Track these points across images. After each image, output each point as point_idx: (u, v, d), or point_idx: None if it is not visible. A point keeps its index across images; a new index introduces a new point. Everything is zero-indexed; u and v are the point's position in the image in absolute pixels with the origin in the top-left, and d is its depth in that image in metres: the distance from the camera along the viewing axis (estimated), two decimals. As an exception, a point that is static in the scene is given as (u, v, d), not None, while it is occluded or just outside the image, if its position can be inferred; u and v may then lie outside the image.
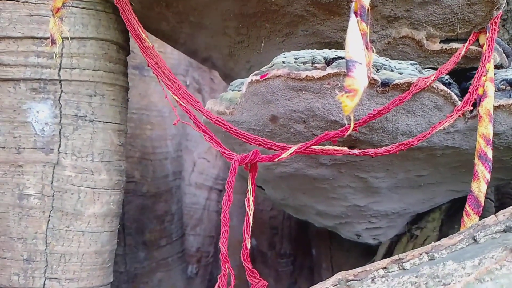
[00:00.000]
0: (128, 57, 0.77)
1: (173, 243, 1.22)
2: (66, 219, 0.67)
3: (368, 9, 0.34)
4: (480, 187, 0.46)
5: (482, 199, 0.46)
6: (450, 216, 0.75)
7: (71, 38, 0.68)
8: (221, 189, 1.52)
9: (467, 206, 0.46)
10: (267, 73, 0.45)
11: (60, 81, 0.68)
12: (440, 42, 0.53)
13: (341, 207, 0.70)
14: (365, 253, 1.01)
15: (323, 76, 0.43)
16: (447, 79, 0.52)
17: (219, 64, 0.74)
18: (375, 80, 0.43)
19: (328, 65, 0.45)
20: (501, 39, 1.02)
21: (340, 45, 0.54)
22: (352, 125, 0.33)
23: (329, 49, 0.51)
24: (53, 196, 0.67)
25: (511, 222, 0.38)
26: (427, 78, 0.44)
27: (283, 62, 0.46)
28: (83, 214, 0.68)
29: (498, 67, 0.56)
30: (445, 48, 0.52)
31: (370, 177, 0.60)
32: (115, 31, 0.71)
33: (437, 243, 0.40)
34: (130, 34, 0.68)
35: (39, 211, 0.67)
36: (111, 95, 0.70)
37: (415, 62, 0.51)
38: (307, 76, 0.43)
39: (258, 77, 0.46)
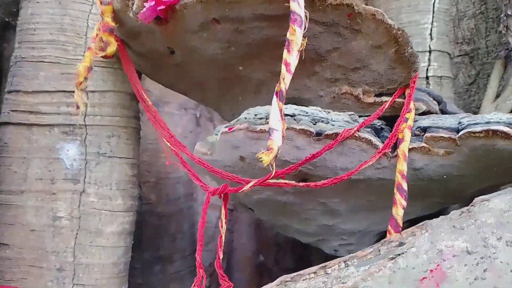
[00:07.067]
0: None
1: (185, 258, 1.38)
2: (90, 236, 0.84)
3: (284, 92, 0.49)
4: (398, 212, 0.59)
5: (400, 221, 0.59)
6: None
7: (94, 91, 0.85)
8: (232, 209, 1.67)
9: (389, 227, 0.60)
10: (233, 127, 0.61)
11: (86, 125, 0.85)
12: (375, 96, 0.67)
13: (314, 226, 0.84)
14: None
15: (272, 129, 0.58)
16: (379, 125, 0.66)
17: (213, 109, 0.90)
18: (310, 131, 0.58)
19: (277, 120, 0.59)
20: (469, 75, 1.15)
21: (296, 100, 0.69)
22: (273, 172, 0.47)
23: (288, 103, 0.66)
24: (79, 218, 0.83)
25: (404, 240, 0.51)
26: (350, 129, 0.58)
27: (245, 118, 0.61)
28: (103, 232, 0.84)
29: (426, 113, 0.69)
30: (377, 101, 0.66)
31: (328, 202, 0.74)
32: (128, 84, 0.87)
33: (354, 254, 0.54)
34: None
35: (69, 230, 0.83)
36: (125, 136, 0.87)
37: (352, 113, 0.65)
38: (260, 129, 0.58)
39: (227, 129, 0.61)
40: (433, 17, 0.97)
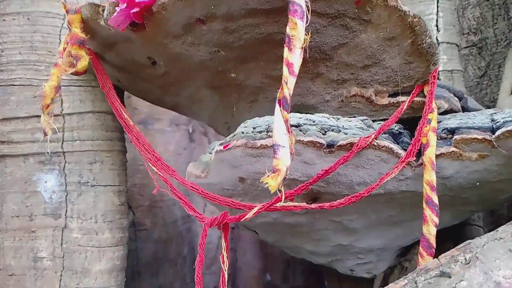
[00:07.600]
0: (132, 113, 0.85)
1: (187, 285, 1.28)
2: (76, 277, 0.74)
3: (288, 99, 0.40)
4: (429, 230, 0.50)
5: (433, 241, 0.50)
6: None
7: (71, 114, 0.76)
8: (233, 227, 1.57)
9: (420, 248, 0.51)
10: (228, 144, 0.52)
11: (64, 152, 0.76)
12: (389, 96, 0.58)
13: (328, 246, 0.75)
14: (372, 282, 1.04)
15: (275, 143, 0.49)
16: (397, 129, 0.57)
17: (205, 123, 0.81)
18: (320, 143, 0.49)
19: (281, 132, 0.51)
20: (478, 67, 1.07)
21: (299, 107, 0.60)
22: (283, 197, 0.38)
23: (290, 111, 0.58)
24: (63, 257, 0.74)
25: (446, 268, 0.42)
26: (367, 137, 0.49)
27: (242, 132, 0.52)
28: (90, 271, 0.74)
29: (448, 111, 0.60)
30: (393, 102, 0.57)
31: (343, 220, 0.65)
32: (109, 103, 0.79)
33: (385, 288, 0.45)
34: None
35: (52, 271, 0.74)
36: (109, 161, 0.78)
37: (365, 118, 0.56)
38: (261, 144, 0.50)
39: (221, 147, 0.52)
40: (437, 6, 0.89)
